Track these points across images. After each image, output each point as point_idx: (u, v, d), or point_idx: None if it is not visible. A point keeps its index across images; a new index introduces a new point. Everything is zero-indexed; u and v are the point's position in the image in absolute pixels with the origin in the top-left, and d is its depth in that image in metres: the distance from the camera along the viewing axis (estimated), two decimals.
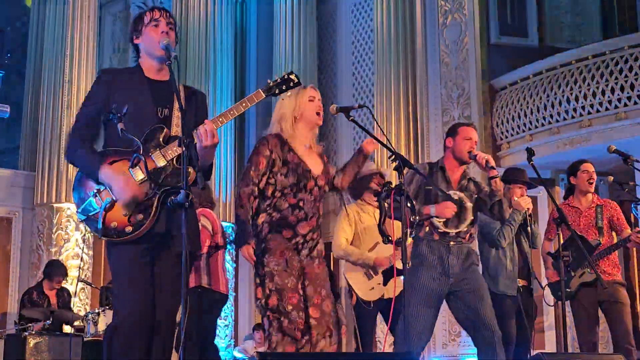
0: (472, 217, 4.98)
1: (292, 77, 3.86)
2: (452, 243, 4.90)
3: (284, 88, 3.85)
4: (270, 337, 4.20)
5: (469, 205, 4.95)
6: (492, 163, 4.87)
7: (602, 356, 5.14)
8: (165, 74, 3.82)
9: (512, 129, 10.38)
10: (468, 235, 4.99)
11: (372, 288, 5.96)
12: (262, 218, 4.36)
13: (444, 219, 4.83)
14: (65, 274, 8.55)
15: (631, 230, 6.18)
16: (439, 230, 4.87)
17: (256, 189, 4.32)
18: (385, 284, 5.96)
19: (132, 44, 3.89)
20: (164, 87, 3.78)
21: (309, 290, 4.30)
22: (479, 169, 4.97)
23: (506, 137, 10.49)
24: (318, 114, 4.45)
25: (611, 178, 6.49)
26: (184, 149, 3.44)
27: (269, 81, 3.86)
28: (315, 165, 4.43)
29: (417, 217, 4.60)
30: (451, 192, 4.89)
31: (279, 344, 4.17)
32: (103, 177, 3.59)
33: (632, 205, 6.31)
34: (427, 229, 4.92)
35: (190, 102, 3.80)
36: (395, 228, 4.82)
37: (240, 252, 4.28)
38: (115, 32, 13.76)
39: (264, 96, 3.79)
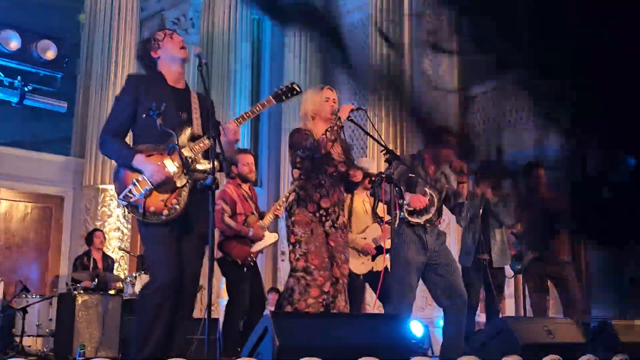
0: (439, 208, 4.91)
1: (295, 86, 4.07)
2: (428, 225, 4.84)
3: (289, 96, 4.03)
4: (293, 294, 4.30)
5: (436, 201, 4.85)
6: (466, 171, 4.93)
7: (552, 320, 5.20)
8: (182, 83, 3.87)
9: None
10: (438, 220, 4.93)
11: (362, 262, 5.92)
12: (292, 196, 4.50)
13: (412, 208, 4.73)
14: (100, 235, 8.61)
15: None
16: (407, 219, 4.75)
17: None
18: (373, 259, 5.95)
19: (144, 59, 3.85)
20: (182, 93, 3.83)
21: (334, 254, 4.41)
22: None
23: None
24: (333, 109, 4.53)
25: None
26: (212, 141, 3.58)
27: (276, 89, 4.03)
28: (335, 153, 4.51)
29: (404, 201, 4.65)
30: (426, 188, 4.81)
31: (302, 296, 4.28)
32: (136, 162, 3.61)
33: None
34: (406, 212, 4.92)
35: (203, 106, 3.85)
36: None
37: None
38: None
39: (274, 102, 3.97)
